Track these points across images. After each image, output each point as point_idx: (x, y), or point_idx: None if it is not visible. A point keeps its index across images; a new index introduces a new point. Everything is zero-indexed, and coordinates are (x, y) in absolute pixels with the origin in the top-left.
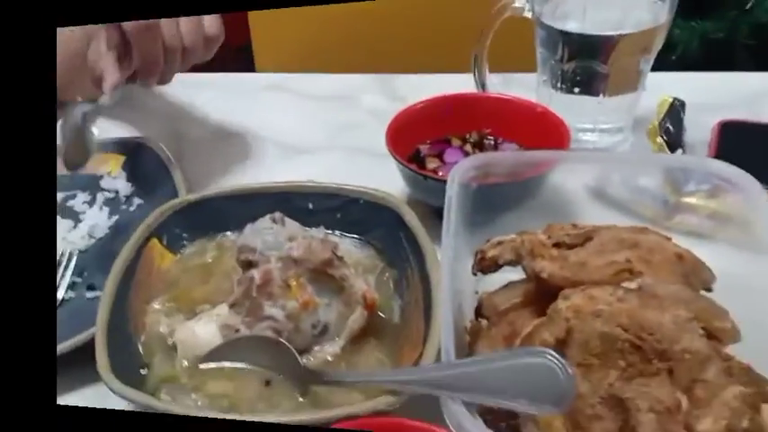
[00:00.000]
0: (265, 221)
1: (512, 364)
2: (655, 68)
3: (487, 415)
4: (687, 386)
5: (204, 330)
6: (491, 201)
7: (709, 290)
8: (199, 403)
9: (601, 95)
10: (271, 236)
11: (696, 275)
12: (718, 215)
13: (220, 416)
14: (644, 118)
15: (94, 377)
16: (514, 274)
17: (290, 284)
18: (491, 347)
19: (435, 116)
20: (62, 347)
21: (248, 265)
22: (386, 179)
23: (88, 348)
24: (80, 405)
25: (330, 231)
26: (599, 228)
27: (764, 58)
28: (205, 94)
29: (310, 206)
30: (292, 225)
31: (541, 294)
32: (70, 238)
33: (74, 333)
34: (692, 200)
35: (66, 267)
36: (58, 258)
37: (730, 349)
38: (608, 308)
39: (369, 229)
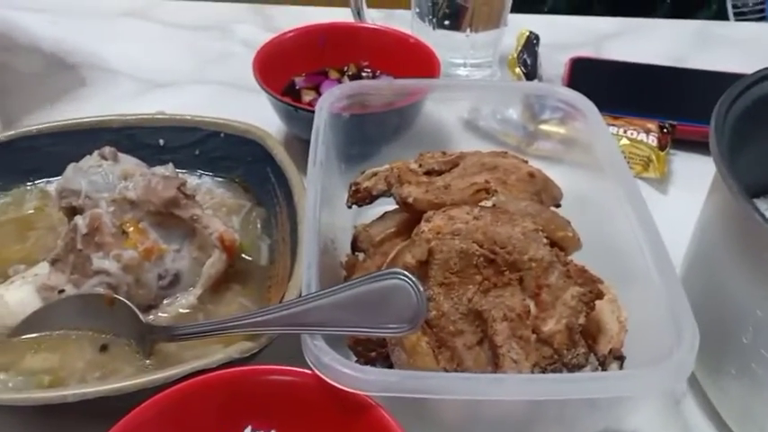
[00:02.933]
0: (92, 158)
1: (367, 290)
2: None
3: (357, 346)
4: (534, 292)
5: (16, 295)
6: (365, 132)
7: (558, 205)
8: (10, 385)
9: (468, 30)
10: (99, 175)
11: (546, 192)
12: (567, 140)
13: (34, 395)
14: (506, 55)
15: None
16: (390, 207)
17: (127, 231)
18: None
19: (310, 46)
20: None
21: (73, 212)
22: (259, 116)
23: None
24: None
25: (185, 171)
26: (465, 154)
27: (614, 6)
28: (38, 19)
29: (161, 142)
30: (128, 161)
31: (413, 222)
32: None
33: None
34: (546, 127)
35: None
36: None
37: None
38: (465, 226)
39: (232, 165)
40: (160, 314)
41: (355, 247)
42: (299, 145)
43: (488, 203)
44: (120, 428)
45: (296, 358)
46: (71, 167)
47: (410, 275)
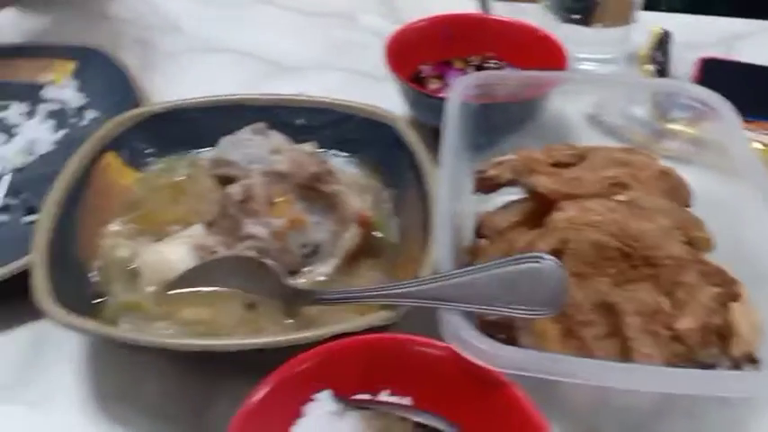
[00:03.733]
0: (245, 132)
1: (507, 271)
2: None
3: (486, 328)
4: (669, 290)
5: (175, 252)
6: (492, 121)
7: (687, 206)
8: (170, 331)
9: (598, 25)
10: (252, 148)
11: (677, 192)
12: (698, 140)
13: (197, 341)
14: (635, 52)
15: (37, 311)
16: (514, 196)
17: (276, 201)
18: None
19: (437, 36)
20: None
21: (226, 180)
22: (383, 102)
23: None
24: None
25: (320, 150)
26: (592, 148)
27: (739, 5)
28: (181, 2)
29: (299, 122)
30: (277, 137)
31: (539, 211)
32: (1, 153)
33: (9, 260)
34: (675, 126)
35: None
36: None
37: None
38: (600, 218)
39: (363, 147)
40: (300, 280)
41: (479, 233)
42: (421, 130)
43: (622, 198)
44: (274, 378)
45: (428, 332)
46: (226, 140)
47: (551, 258)
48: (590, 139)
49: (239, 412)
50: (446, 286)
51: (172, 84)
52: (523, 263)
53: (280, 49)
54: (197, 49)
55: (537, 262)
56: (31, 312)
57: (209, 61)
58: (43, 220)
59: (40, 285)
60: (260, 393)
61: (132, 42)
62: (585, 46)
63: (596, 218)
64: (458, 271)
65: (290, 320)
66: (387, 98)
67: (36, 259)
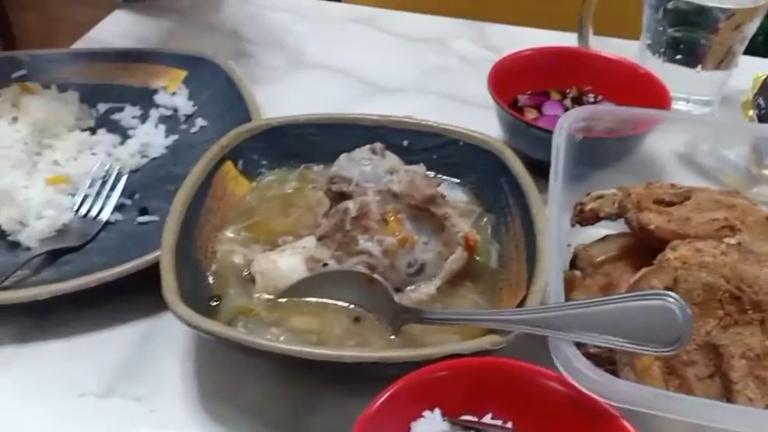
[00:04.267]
0: (363, 151)
1: (629, 306)
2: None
3: (588, 360)
4: None
5: (288, 262)
6: (591, 155)
7: None
8: (281, 338)
9: (699, 67)
10: (369, 167)
11: None
12: None
13: (312, 350)
14: (729, 96)
15: (147, 309)
16: (608, 230)
17: (388, 219)
18: (587, 297)
19: (536, 67)
20: (112, 273)
21: (340, 196)
22: (476, 127)
23: (141, 277)
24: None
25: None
26: (695, 188)
27: None
28: (281, 17)
29: (405, 143)
30: (392, 158)
31: (640, 248)
32: (117, 154)
33: (126, 259)
34: None
35: (113, 187)
36: (102, 176)
37: None
38: (712, 260)
39: (466, 172)
40: (404, 298)
41: (573, 264)
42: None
43: (732, 241)
44: (389, 391)
45: (530, 360)
46: (344, 156)
47: (678, 298)
48: (681, 178)
49: (358, 420)
50: (559, 316)
51: (272, 97)
52: (647, 299)
53: (375, 70)
54: (296, 63)
55: (661, 299)
56: (140, 310)
57: (308, 77)
58: (171, 221)
59: (169, 285)
60: (374, 405)
61: (235, 55)
62: (683, 86)
63: (708, 259)
64: (574, 302)
65: (394, 337)
66: (478, 123)
67: (165, 259)
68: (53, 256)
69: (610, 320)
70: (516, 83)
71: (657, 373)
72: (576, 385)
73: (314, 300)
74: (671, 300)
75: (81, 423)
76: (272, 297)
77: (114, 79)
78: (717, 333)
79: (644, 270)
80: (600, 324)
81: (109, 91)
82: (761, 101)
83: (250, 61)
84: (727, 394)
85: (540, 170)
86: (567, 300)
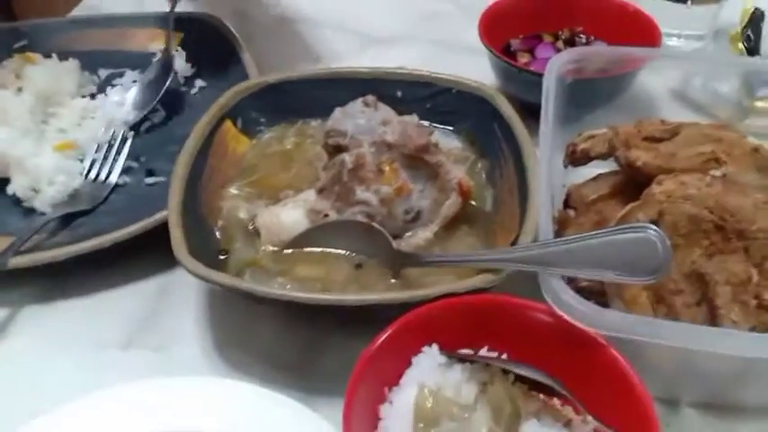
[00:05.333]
0: (357, 105)
1: (613, 239)
2: None
3: (578, 293)
4: (759, 262)
5: (290, 215)
6: (583, 96)
7: None
8: (288, 287)
9: (689, 2)
10: (363, 119)
11: None
12: None
13: (318, 296)
14: (722, 30)
15: (161, 265)
16: (600, 169)
17: (384, 169)
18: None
19: (527, 11)
20: (124, 233)
21: (337, 149)
22: (470, 73)
23: (152, 236)
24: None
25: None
26: (684, 124)
27: None
28: None
29: (399, 94)
30: (385, 109)
31: (630, 184)
32: (118, 116)
33: (136, 219)
34: (762, 104)
35: (118, 151)
36: (108, 140)
37: None
38: (697, 192)
39: (459, 119)
40: (402, 244)
41: (567, 203)
42: (512, 104)
43: (717, 173)
44: (390, 330)
45: (524, 296)
46: (338, 110)
47: (658, 230)
48: (674, 114)
49: (362, 357)
50: (549, 252)
51: (268, 53)
52: (629, 232)
53: (368, 20)
54: (290, 19)
55: (643, 232)
56: (153, 266)
57: (303, 31)
58: (176, 180)
59: (178, 241)
60: (377, 343)
61: (230, 13)
62: (674, 22)
63: (693, 192)
64: (561, 239)
65: (394, 280)
66: (473, 68)
67: (172, 217)
68: (67, 220)
69: (596, 254)
70: (508, 28)
71: (645, 303)
72: (565, 317)
73: (317, 249)
74: (651, 232)
75: (104, 373)
76: (276, 249)
77: (113, 45)
78: (702, 262)
79: (630, 205)
80: (587, 258)
81: (108, 57)
82: (749, 33)
83: (244, 20)
84: (713, 319)
85: (533, 114)
86: (559, 237)
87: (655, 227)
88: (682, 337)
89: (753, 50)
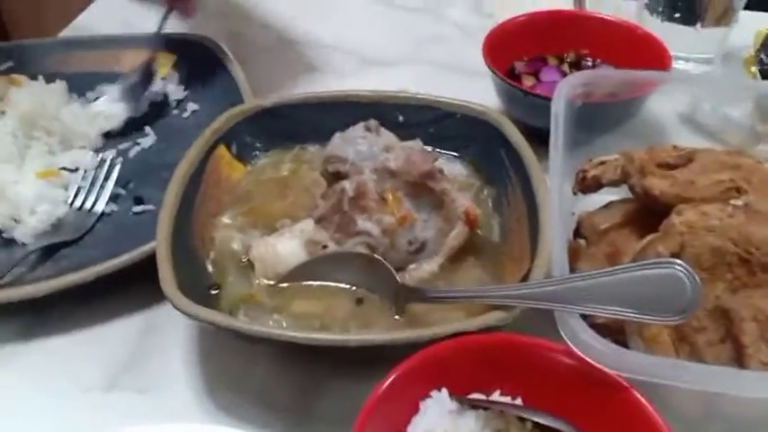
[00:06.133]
0: (358, 130)
1: (635, 276)
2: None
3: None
4: None
5: (286, 247)
6: (592, 120)
7: None
8: (284, 325)
9: (698, 24)
10: (364, 145)
11: None
12: None
13: (318, 335)
14: (731, 53)
15: (148, 300)
16: (611, 197)
17: (386, 198)
18: (592, 266)
19: (532, 33)
20: (110, 266)
21: (337, 176)
22: (473, 97)
23: (139, 268)
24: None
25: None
26: (698, 150)
27: None
28: None
29: (401, 119)
30: (387, 135)
31: (645, 213)
32: (109, 144)
33: (123, 250)
34: None
35: (106, 177)
36: (95, 166)
37: None
38: (719, 223)
39: (464, 145)
40: (406, 277)
41: (577, 233)
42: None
43: (738, 203)
44: (395, 373)
45: (538, 335)
46: (338, 136)
47: (686, 267)
48: (684, 139)
49: (366, 403)
50: (565, 289)
51: (265, 77)
52: (653, 268)
53: (368, 43)
54: (287, 41)
55: (669, 268)
56: (140, 301)
57: (300, 54)
58: (165, 209)
59: (166, 276)
60: (383, 387)
61: (224, 36)
62: (683, 45)
63: (715, 222)
64: (579, 274)
65: (398, 317)
66: (476, 92)
67: (161, 250)
68: (50, 251)
69: (616, 291)
70: (512, 50)
71: (667, 341)
72: (585, 357)
73: (315, 283)
74: (679, 268)
75: (87, 418)
76: (272, 283)
77: (102, 67)
78: (726, 297)
79: (649, 237)
80: (606, 295)
81: (97, 79)
82: (763, 56)
83: (240, 41)
84: (739, 359)
85: (539, 139)
86: (572, 269)
87: (682, 263)
88: (708, 380)
89: (767, 73)
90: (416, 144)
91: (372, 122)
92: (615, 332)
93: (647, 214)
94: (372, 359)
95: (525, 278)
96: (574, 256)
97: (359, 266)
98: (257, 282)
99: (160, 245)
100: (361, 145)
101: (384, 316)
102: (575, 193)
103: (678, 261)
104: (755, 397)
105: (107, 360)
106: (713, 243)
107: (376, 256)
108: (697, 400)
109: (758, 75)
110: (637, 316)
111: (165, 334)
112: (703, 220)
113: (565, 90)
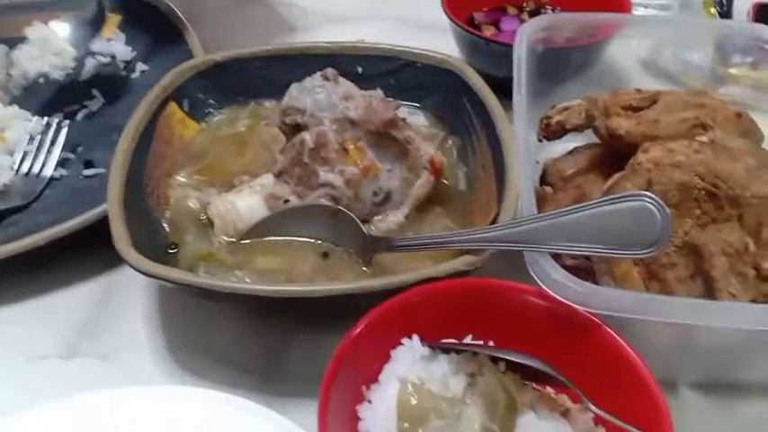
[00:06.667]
0: (315, 79)
1: (604, 211)
2: None
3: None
4: (755, 230)
5: (246, 202)
6: (553, 67)
7: None
8: (247, 280)
9: None
10: (323, 94)
11: (752, 134)
12: (760, 85)
13: (283, 287)
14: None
15: (104, 265)
16: (573, 143)
17: (348, 148)
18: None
19: None
20: (61, 229)
21: (296, 129)
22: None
23: (93, 232)
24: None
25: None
26: (662, 92)
27: None
28: None
29: (359, 70)
30: (346, 84)
31: (610, 156)
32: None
33: (74, 214)
34: (736, 71)
35: (53, 141)
36: (40, 131)
37: None
38: (686, 159)
39: (426, 94)
40: (372, 228)
41: (543, 180)
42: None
43: (704, 139)
44: (364, 322)
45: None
46: (295, 86)
47: (657, 199)
48: (646, 84)
49: (336, 353)
50: (533, 229)
51: (216, 37)
52: (622, 202)
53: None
54: (241, 1)
55: (639, 200)
56: (95, 267)
57: (253, 12)
58: (115, 169)
59: (120, 234)
60: (352, 335)
61: None
62: None
63: (682, 158)
64: (546, 213)
65: (366, 269)
66: (435, 47)
67: (113, 209)
68: None
69: (586, 228)
70: (471, 1)
71: (637, 279)
72: (557, 297)
73: (278, 238)
74: (648, 199)
75: (45, 386)
76: (233, 240)
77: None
78: (695, 232)
79: (616, 175)
80: (576, 233)
81: None
82: None
83: (190, 1)
84: (710, 293)
85: (502, 89)
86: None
87: (651, 194)
88: (682, 313)
89: (725, 16)
90: (377, 93)
91: (330, 71)
92: (585, 273)
93: (613, 158)
94: (341, 312)
95: (493, 223)
96: (541, 202)
97: (323, 219)
98: (217, 239)
99: (112, 204)
100: (319, 94)
101: (351, 269)
102: (540, 140)
103: (647, 193)
104: (726, 327)
105: (64, 328)
106: (680, 178)
107: (340, 207)
108: (669, 334)
109: (717, 17)
110: (607, 251)
111: (123, 299)
112: (669, 157)
113: (526, 34)
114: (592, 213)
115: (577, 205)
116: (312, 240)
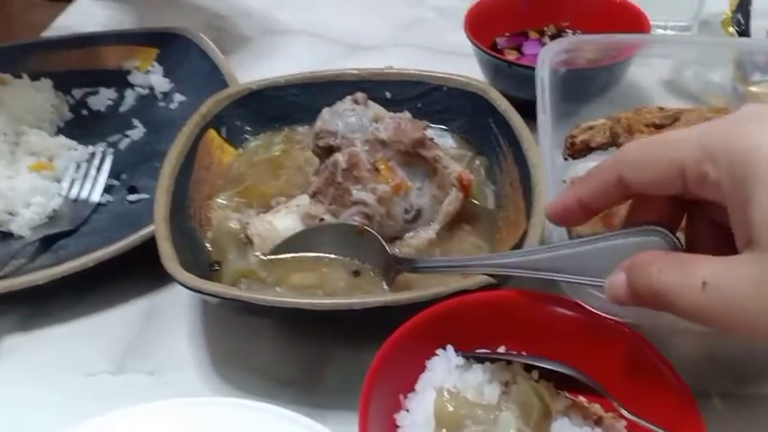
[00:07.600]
0: (346, 103)
1: (621, 243)
2: None
3: None
4: None
5: (283, 222)
6: (576, 88)
7: None
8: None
9: None
10: (353, 117)
11: None
12: None
13: (323, 300)
14: (707, 20)
15: (149, 286)
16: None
17: (379, 168)
18: (588, 228)
19: (512, 8)
20: (109, 251)
21: (328, 151)
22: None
23: (139, 254)
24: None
25: None
26: (684, 110)
27: None
28: None
29: (388, 95)
30: (375, 107)
31: None
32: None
33: (121, 237)
34: (757, 89)
35: (99, 168)
36: (87, 159)
37: None
38: None
39: (453, 117)
40: (403, 246)
41: None
42: None
43: None
44: (399, 334)
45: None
46: (327, 110)
47: (669, 232)
48: (667, 104)
49: (373, 363)
50: (560, 256)
51: (248, 67)
52: (638, 235)
53: (349, 30)
54: (268, 32)
55: (653, 234)
56: (140, 287)
57: (282, 44)
58: (160, 193)
59: (167, 254)
60: (389, 346)
61: (204, 29)
62: (660, 12)
63: None
64: (572, 241)
65: (388, 288)
66: (457, 72)
67: (160, 229)
68: (47, 243)
69: (606, 258)
70: (493, 26)
71: None
72: (588, 307)
73: (309, 255)
74: (661, 233)
75: (96, 401)
76: (266, 255)
77: (86, 65)
78: None
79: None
80: (595, 263)
81: (82, 76)
82: (740, 17)
83: (220, 34)
84: None
85: (525, 110)
86: (567, 233)
87: (663, 229)
88: None
89: (743, 34)
90: (405, 114)
91: (360, 95)
92: None
93: None
94: (376, 325)
95: (522, 240)
96: None
97: (350, 238)
98: (256, 255)
99: (159, 224)
100: (350, 117)
101: (380, 287)
102: (565, 159)
103: (659, 228)
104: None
105: (111, 346)
106: None
107: (366, 227)
108: (699, 343)
109: (736, 35)
110: None
111: (168, 317)
112: None
113: (548, 56)
114: (610, 245)
115: (594, 236)
116: (342, 258)
